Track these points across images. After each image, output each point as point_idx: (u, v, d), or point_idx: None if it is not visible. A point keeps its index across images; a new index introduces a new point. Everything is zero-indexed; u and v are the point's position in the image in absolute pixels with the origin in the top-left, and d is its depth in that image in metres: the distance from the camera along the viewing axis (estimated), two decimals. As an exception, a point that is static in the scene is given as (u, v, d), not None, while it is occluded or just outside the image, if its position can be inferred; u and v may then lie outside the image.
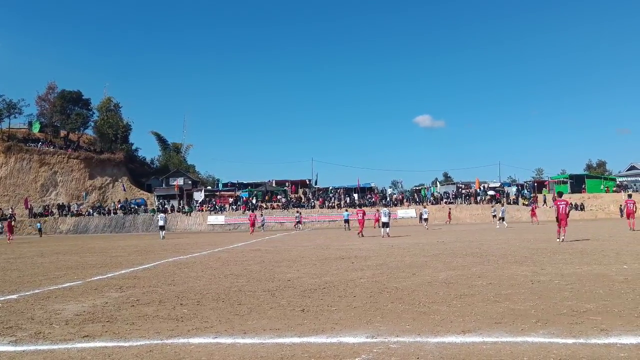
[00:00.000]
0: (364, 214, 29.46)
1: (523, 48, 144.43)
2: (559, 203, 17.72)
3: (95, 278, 10.50)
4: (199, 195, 62.52)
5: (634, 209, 23.36)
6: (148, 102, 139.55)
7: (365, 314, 5.87)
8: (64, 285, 9.37)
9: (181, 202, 63.09)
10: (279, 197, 62.92)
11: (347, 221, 40.81)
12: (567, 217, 17.32)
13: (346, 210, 44.75)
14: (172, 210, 60.59)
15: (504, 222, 36.37)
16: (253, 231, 38.39)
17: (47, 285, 9.56)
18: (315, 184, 69.06)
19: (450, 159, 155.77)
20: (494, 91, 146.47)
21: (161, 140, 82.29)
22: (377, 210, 36.02)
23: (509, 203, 55.75)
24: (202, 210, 59.54)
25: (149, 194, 67.65)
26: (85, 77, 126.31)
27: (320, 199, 61.37)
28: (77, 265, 14.06)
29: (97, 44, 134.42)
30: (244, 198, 62.24)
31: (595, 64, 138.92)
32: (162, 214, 38.79)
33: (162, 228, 34.53)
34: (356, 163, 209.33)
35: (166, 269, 12.02)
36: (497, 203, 38.52)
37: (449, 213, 48.77)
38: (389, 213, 26.50)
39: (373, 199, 61.03)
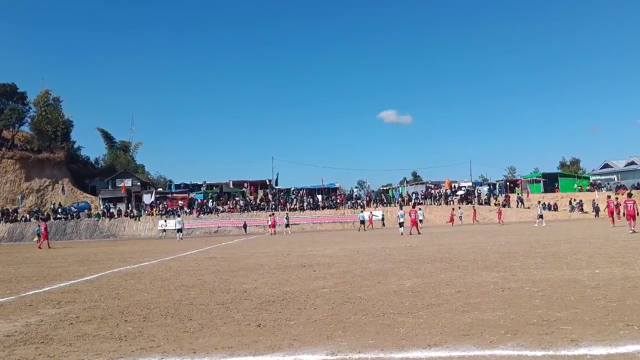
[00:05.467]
0: (416, 213, 32.19)
1: (493, 41, 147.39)
2: (627, 202, 23.26)
3: (30, 292, 10.19)
4: (148, 198, 61.42)
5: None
6: (91, 97, 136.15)
7: (326, 328, 5.87)
8: (-7, 302, 9.05)
9: (129, 205, 61.90)
10: (237, 198, 62.50)
11: (362, 222, 44.78)
12: (638, 214, 22.82)
13: (362, 212, 48.45)
14: (119, 214, 59.40)
15: (542, 220, 38.02)
16: (274, 232, 43.57)
17: (-26, 301, 9.21)
18: (276, 184, 68.81)
19: (418, 157, 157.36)
20: (463, 84, 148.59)
21: (108, 138, 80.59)
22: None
23: (480, 204, 56.97)
24: (153, 214, 58.57)
25: (93, 196, 66.12)
26: (20, 69, 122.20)
27: (282, 201, 61.27)
28: (9, 278, 13.62)
29: (34, 35, 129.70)
30: (199, 200, 61.55)
31: (566, 59, 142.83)
32: (179, 218, 44.18)
33: (179, 231, 40.41)
34: (319, 162, 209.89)
35: (110, 281, 11.76)
36: (538, 203, 41.15)
37: (500, 212, 46.95)
38: (404, 214, 31.37)
39: (338, 200, 61.33)
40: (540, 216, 38.37)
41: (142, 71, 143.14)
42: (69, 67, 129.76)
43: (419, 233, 30.41)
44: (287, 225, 46.51)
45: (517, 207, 56.06)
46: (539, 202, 43.77)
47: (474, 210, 50.82)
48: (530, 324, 5.64)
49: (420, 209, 41.21)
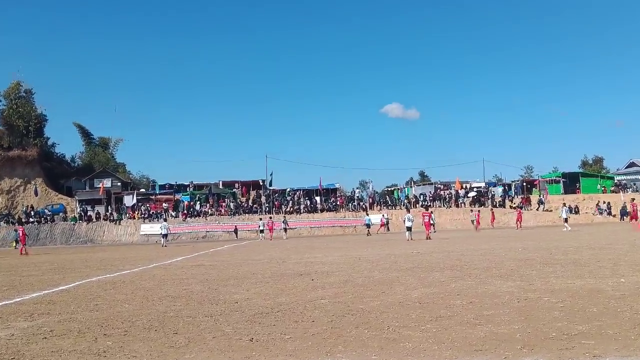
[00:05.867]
0: (430, 216, 33.16)
1: (508, 30, 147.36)
2: None
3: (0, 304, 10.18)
4: (130, 200, 61.34)
5: None
6: (67, 90, 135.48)
7: (325, 343, 5.87)
8: (-41, 314, 9.03)
9: (109, 207, 61.84)
10: (227, 200, 62.46)
11: (368, 226, 46.97)
12: None
13: (367, 215, 50.59)
14: (98, 217, 59.35)
15: (566, 223, 37.98)
16: (271, 237, 45.43)
17: (-62, 313, 9.20)
18: (270, 185, 68.77)
19: (426, 155, 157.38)
20: (475, 76, 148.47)
21: (85, 134, 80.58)
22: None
23: (494, 206, 56.96)
24: (134, 218, 58.54)
25: (69, 198, 66.10)
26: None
27: (277, 203, 61.27)
28: (-23, 287, 13.59)
29: (2, 21, 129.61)
30: (185, 202, 61.50)
31: (588, 50, 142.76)
32: (164, 223, 45.28)
33: (164, 236, 41.31)
34: (317, 161, 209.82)
35: (88, 291, 11.75)
36: (564, 205, 41.18)
37: (520, 215, 46.80)
38: (413, 218, 31.88)
39: (338, 202, 61.31)
40: (566, 219, 38.33)
41: (123, 62, 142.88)
42: (43, 57, 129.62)
43: (428, 238, 30.52)
44: (285, 230, 47.05)
45: (537, 209, 56.10)
46: (564, 203, 43.70)
47: (492, 213, 50.63)
48: (549, 338, 5.65)
49: (432, 212, 41.40)
